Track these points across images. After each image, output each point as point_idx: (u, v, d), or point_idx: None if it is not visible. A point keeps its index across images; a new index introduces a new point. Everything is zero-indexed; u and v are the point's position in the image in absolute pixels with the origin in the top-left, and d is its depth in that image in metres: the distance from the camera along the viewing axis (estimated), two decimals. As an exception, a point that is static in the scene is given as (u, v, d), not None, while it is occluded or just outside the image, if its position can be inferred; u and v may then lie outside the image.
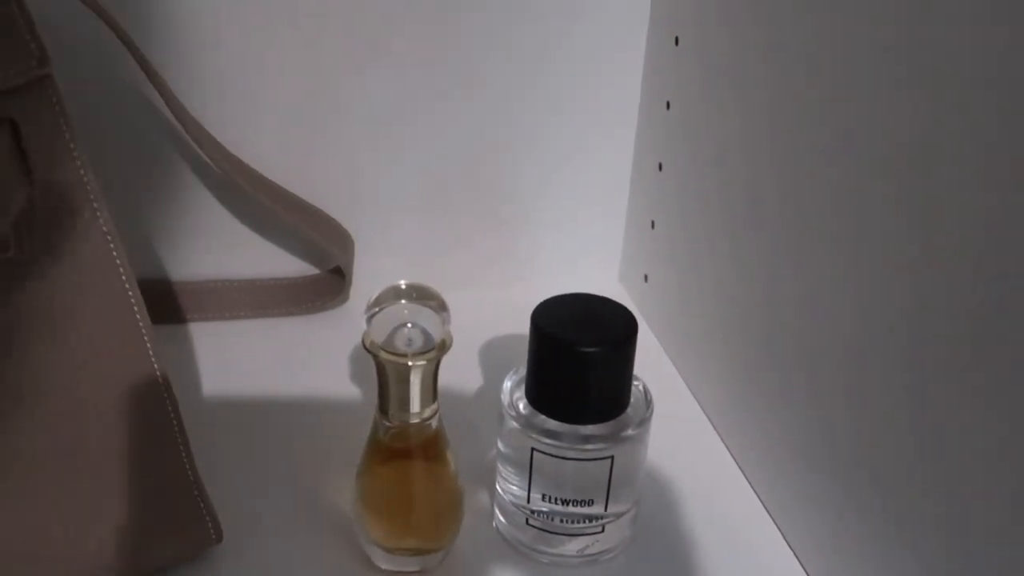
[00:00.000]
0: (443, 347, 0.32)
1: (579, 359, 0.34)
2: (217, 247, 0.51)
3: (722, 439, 0.45)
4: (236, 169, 0.46)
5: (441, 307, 0.32)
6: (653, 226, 0.52)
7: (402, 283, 0.32)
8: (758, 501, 0.41)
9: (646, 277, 0.53)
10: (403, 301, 0.31)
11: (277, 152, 0.49)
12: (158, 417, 0.32)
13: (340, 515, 0.38)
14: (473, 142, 0.52)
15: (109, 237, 0.30)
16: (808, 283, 0.36)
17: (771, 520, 0.40)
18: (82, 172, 0.29)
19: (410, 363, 0.31)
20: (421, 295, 0.32)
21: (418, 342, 0.31)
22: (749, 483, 0.42)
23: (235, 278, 0.52)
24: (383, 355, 0.31)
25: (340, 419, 0.43)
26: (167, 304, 0.51)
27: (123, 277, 0.30)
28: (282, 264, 0.53)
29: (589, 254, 0.57)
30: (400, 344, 0.31)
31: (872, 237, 0.32)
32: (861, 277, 0.32)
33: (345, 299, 0.53)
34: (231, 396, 0.46)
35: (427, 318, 0.31)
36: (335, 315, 0.53)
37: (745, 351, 0.42)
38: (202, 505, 0.34)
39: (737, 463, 0.43)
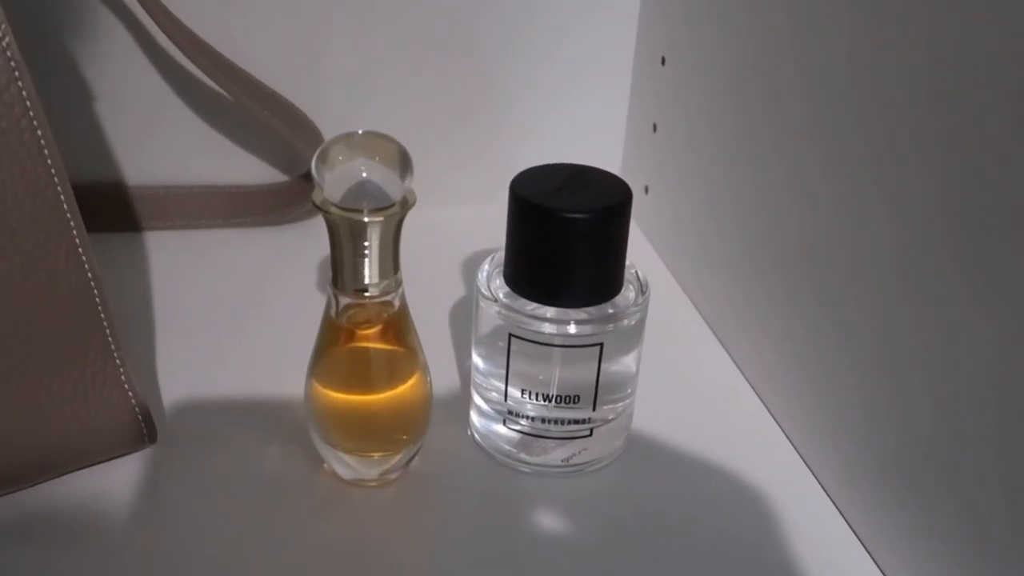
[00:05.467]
0: (405, 204, 0.27)
1: (564, 228, 0.29)
2: (176, 149, 0.47)
3: (725, 349, 0.40)
4: (198, 50, 0.42)
5: (403, 158, 0.27)
6: (655, 129, 0.47)
7: (359, 131, 0.28)
8: (763, 407, 0.37)
9: (647, 189, 0.49)
10: (359, 157, 0.27)
11: (243, 35, 0.45)
12: (83, 311, 0.28)
13: (297, 423, 0.34)
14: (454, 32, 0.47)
15: (39, 132, 0.26)
16: (817, 203, 0.32)
17: (775, 423, 0.36)
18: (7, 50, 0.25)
19: (366, 219, 0.27)
20: (379, 146, 0.27)
21: (377, 198, 0.27)
22: (755, 392, 0.38)
23: (196, 184, 0.48)
24: (335, 211, 0.27)
25: (307, 331, 0.38)
26: (122, 210, 0.47)
27: (52, 172, 0.26)
28: (248, 170, 0.48)
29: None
30: (355, 201, 0.27)
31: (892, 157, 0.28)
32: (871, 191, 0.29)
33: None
34: (186, 307, 0.41)
35: (386, 172, 0.27)
36: (304, 227, 0.49)
37: (750, 262, 0.37)
38: (134, 403, 0.31)
39: (741, 371, 0.39)
